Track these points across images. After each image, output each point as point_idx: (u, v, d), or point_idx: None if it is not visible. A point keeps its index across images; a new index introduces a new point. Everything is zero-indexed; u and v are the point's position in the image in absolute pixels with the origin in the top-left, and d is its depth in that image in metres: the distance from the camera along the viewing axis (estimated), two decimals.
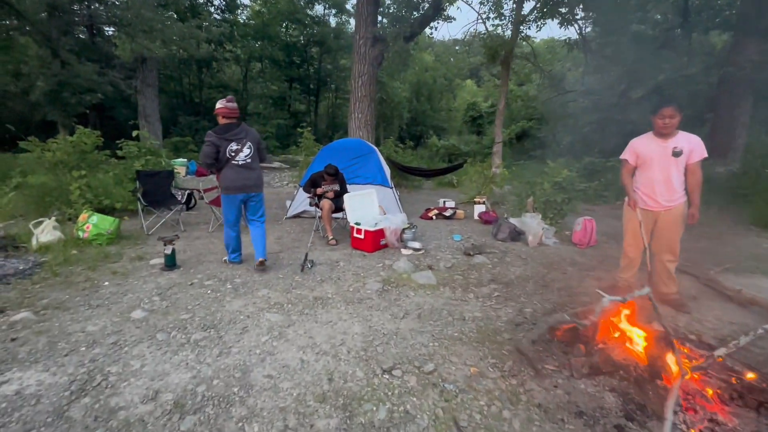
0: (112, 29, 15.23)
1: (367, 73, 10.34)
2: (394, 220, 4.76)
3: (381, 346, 2.51)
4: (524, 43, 7.91)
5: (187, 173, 12.42)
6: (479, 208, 6.67)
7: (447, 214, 6.62)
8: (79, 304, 2.95)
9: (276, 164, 15.43)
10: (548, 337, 2.65)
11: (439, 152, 17.28)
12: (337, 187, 5.35)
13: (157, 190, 5.49)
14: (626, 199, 3.34)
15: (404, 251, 4.57)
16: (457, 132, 23.06)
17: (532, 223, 5.05)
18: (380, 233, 4.58)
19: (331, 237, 4.93)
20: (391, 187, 6.57)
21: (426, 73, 23.15)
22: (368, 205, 5.04)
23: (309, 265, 3.91)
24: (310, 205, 5.39)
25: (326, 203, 4.95)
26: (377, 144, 11.67)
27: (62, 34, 10.83)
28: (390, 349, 2.47)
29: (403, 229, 4.83)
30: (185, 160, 12.74)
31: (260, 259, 3.80)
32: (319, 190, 5.19)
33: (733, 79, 9.49)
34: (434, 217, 6.62)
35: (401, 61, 11.05)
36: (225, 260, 4.05)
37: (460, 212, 6.74)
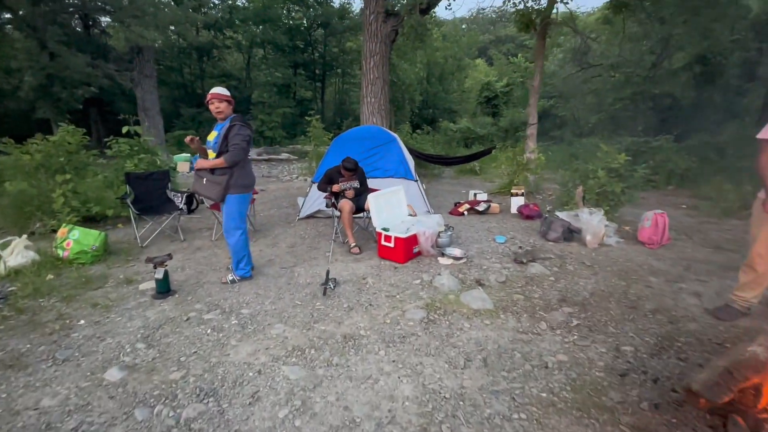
0: (107, 19, 14.45)
1: (380, 52, 9.39)
2: (427, 223, 3.98)
3: (446, 421, 1.78)
4: (561, 7, 6.91)
5: (191, 169, 11.76)
6: (517, 201, 5.84)
7: (480, 208, 5.82)
8: (42, 358, 2.27)
9: (284, 155, 14.69)
10: (678, 397, 1.89)
11: (455, 137, 16.29)
12: (357, 184, 4.58)
13: (150, 195, 4.79)
14: (761, 194, 2.50)
15: (442, 260, 3.81)
16: (471, 114, 21.91)
17: (592, 221, 4.23)
18: (413, 240, 3.82)
19: (353, 244, 4.19)
20: (416, 180, 5.78)
21: (436, 53, 21.91)
22: (396, 206, 4.27)
23: (332, 286, 3.19)
24: (327, 206, 4.64)
25: (346, 204, 4.19)
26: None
27: (49, 23, 10.08)
28: (460, 428, 1.74)
29: (439, 233, 4.07)
30: (188, 155, 12.06)
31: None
32: (335, 187, 4.43)
33: None
34: (466, 213, 5.82)
35: (417, 37, 10.03)
36: (229, 279, 3.34)
37: (494, 206, 5.93)
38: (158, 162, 5.98)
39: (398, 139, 6.14)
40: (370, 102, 9.41)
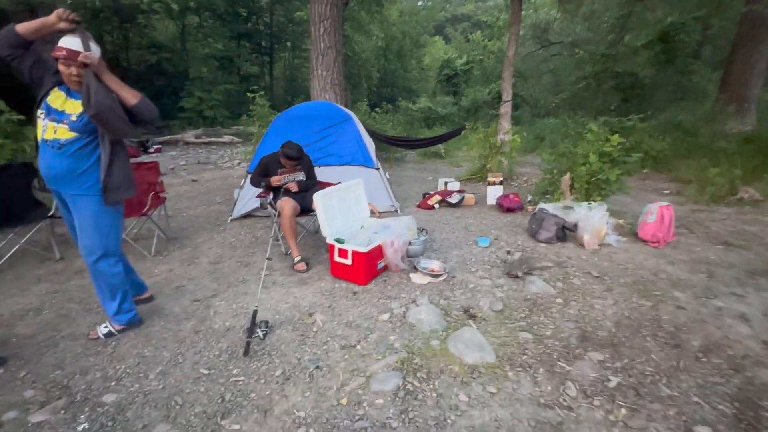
0: None
1: (331, 16, 8.10)
2: (395, 227, 3.03)
3: None
4: None
5: None
6: (495, 191, 5.04)
7: (453, 200, 4.96)
8: None
9: (226, 138, 13.00)
10: None
11: (416, 117, 15.34)
12: (302, 176, 3.52)
13: (6, 197, 3.40)
14: None
15: (416, 277, 2.89)
16: (431, 94, 21.03)
17: (593, 217, 3.50)
18: (376, 252, 2.86)
19: (298, 258, 3.16)
20: (378, 168, 4.79)
21: (393, 27, 20.60)
22: (353, 205, 3.26)
23: (260, 334, 2.16)
24: (261, 206, 3.53)
25: (287, 204, 3.13)
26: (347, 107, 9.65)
27: None
28: None
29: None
30: None
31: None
32: (273, 181, 3.34)
33: (757, 18, 8.10)
34: (437, 206, 4.95)
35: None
36: (102, 333, 2.21)
37: (469, 197, 5.10)
38: (27, 149, 4.46)
39: (355, 117, 5.07)
40: (321, 75, 8.16)
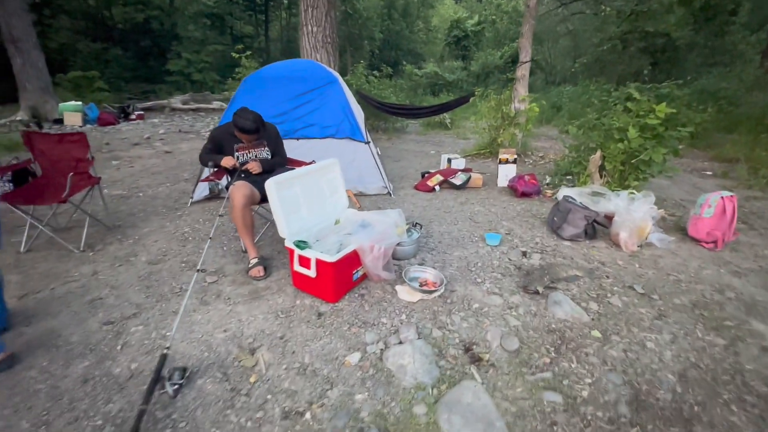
0: None
1: None
2: (379, 225, 2.30)
3: None
4: None
5: (86, 122, 9.09)
6: (508, 171, 4.25)
7: (457, 182, 4.19)
8: None
9: (215, 104, 12.07)
10: None
11: (420, 83, 14.18)
12: (266, 153, 2.78)
13: None
14: None
15: (403, 292, 2.19)
16: (438, 58, 19.57)
17: (636, 211, 2.73)
18: (351, 260, 2.14)
19: (254, 260, 2.47)
20: (368, 142, 4.00)
21: None
22: (325, 194, 2.50)
23: (170, 389, 1.49)
24: (211, 192, 2.79)
25: (238, 192, 2.40)
26: (343, 74, 8.63)
27: None
28: None
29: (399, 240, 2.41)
30: (79, 103, 9.28)
31: None
32: (225, 162, 2.60)
33: None
34: (438, 188, 4.18)
35: None
36: None
37: (476, 177, 4.31)
38: None
39: (341, 80, 4.22)
40: (311, 32, 7.16)
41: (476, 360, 1.72)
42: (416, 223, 2.77)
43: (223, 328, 1.94)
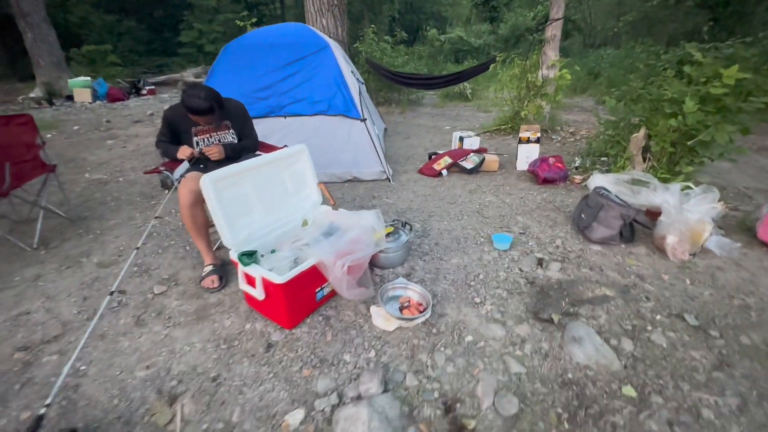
0: None
1: None
2: (352, 232, 1.83)
3: None
4: None
5: (96, 98, 8.93)
6: (529, 151, 3.62)
7: (468, 165, 3.61)
8: None
9: None
10: None
11: (442, 50, 13.11)
12: (231, 137, 2.35)
13: None
14: None
15: (379, 318, 1.74)
16: (465, 21, 18.11)
17: (694, 211, 2.12)
18: (310, 277, 1.69)
19: (208, 267, 2.08)
20: (364, 119, 3.46)
21: None
22: (289, 190, 2.04)
23: None
24: (163, 185, 2.39)
25: (184, 187, 1.98)
26: (353, 40, 7.90)
27: None
28: None
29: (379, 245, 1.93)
30: (88, 79, 9.10)
31: None
32: (182, 153, 2.18)
33: None
34: (445, 172, 3.63)
35: None
36: None
37: (491, 159, 3.71)
38: None
39: (333, 46, 3.65)
40: None
41: (458, 429, 1.27)
42: (405, 222, 2.28)
43: (148, 362, 1.57)
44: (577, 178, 3.31)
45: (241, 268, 1.64)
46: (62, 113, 7.54)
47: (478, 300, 1.88)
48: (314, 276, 1.70)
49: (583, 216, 2.46)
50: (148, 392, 1.44)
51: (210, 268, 2.08)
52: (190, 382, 1.48)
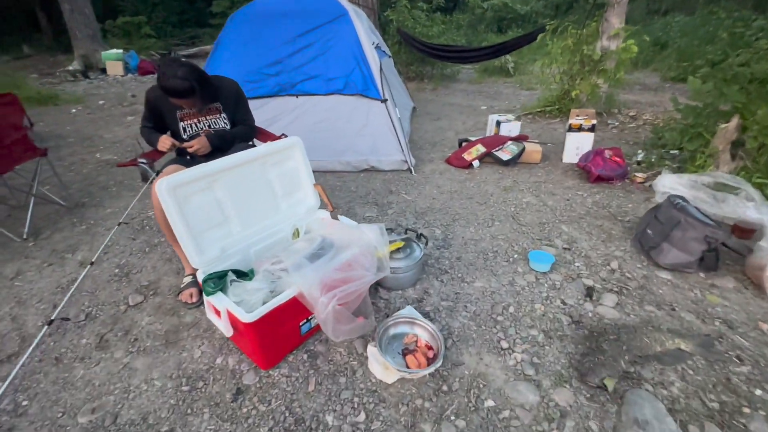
0: None
1: None
2: (347, 249, 1.45)
3: None
4: None
5: (127, 71, 8.93)
6: (579, 142, 3.04)
7: (504, 157, 3.09)
8: None
9: None
10: None
11: (484, 18, 12.01)
12: (222, 122, 2.02)
13: None
14: None
15: (374, 364, 1.37)
16: None
17: None
18: (295, 309, 1.35)
19: (187, 278, 1.81)
20: (385, 100, 3.02)
21: None
22: (276, 195, 1.67)
23: None
24: (143, 177, 2.08)
25: (157, 187, 1.66)
26: (384, 8, 7.23)
27: None
28: None
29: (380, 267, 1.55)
30: (120, 51, 9.08)
31: None
32: (163, 145, 1.86)
33: None
34: (476, 163, 3.14)
35: None
36: None
37: (533, 149, 3.16)
38: None
39: (353, 13, 3.16)
40: None
41: None
42: (420, 234, 1.87)
43: (97, 402, 1.32)
44: (639, 176, 2.72)
45: (207, 301, 1.32)
46: (94, 87, 7.57)
47: (505, 344, 1.48)
48: (297, 308, 1.36)
49: (649, 232, 1.93)
50: None
51: (189, 279, 1.80)
52: None
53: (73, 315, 1.72)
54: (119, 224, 1.89)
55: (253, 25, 3.15)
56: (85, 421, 1.26)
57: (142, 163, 1.94)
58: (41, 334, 1.31)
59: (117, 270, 2.04)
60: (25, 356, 1.32)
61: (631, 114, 4.26)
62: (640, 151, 3.06)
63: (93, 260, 1.60)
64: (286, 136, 2.01)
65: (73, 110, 5.54)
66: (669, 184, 2.14)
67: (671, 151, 2.98)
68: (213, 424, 1.23)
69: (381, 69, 3.03)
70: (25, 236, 2.36)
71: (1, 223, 2.51)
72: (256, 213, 1.57)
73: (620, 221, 2.29)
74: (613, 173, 2.70)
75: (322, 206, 1.79)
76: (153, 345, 1.55)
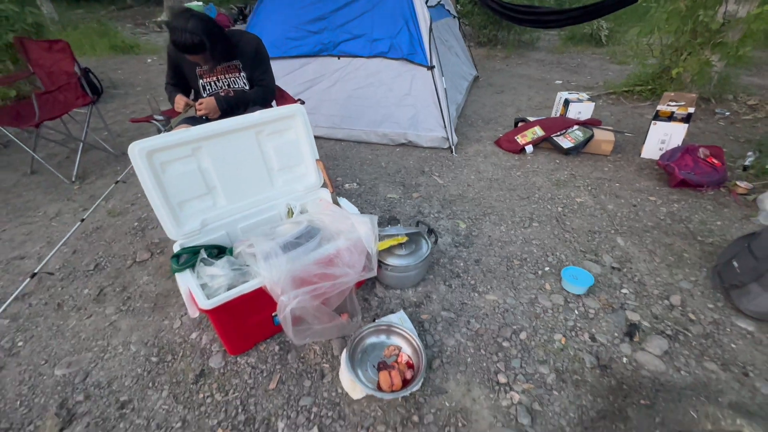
0: None
1: None
2: (340, 238, 1.28)
3: None
4: None
5: None
6: (667, 133, 2.44)
7: (565, 144, 2.61)
8: None
9: None
10: None
11: None
12: (242, 81, 1.91)
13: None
14: None
15: (345, 377, 1.22)
16: None
17: None
18: (266, 299, 1.22)
19: None
20: (432, 67, 2.68)
21: None
22: (271, 166, 1.51)
23: None
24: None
25: None
26: None
27: None
28: None
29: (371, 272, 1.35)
30: (200, 3, 9.40)
31: None
32: (179, 104, 1.80)
33: None
34: (529, 148, 2.71)
35: None
36: None
37: (604, 138, 2.63)
38: None
39: None
40: None
41: None
42: (431, 229, 1.61)
43: (76, 356, 1.35)
44: (742, 186, 2.12)
45: (183, 288, 1.24)
46: None
47: (503, 378, 1.23)
48: (267, 298, 1.23)
49: (735, 264, 1.48)
50: (51, 402, 1.20)
51: None
52: (96, 402, 1.20)
53: (85, 263, 1.80)
54: (116, 182, 1.88)
55: None
56: (59, 374, 1.29)
57: (156, 120, 1.91)
58: (21, 287, 1.35)
59: (136, 224, 2.10)
60: (6, 305, 1.37)
61: (750, 103, 3.37)
62: (750, 153, 2.38)
63: (83, 218, 1.62)
64: (303, 102, 1.84)
65: (149, 60, 5.88)
66: None
67: None
68: (168, 403, 1.19)
69: (431, 30, 2.66)
70: (73, 179, 2.54)
71: (58, 165, 2.74)
72: (247, 187, 1.44)
73: (699, 242, 1.81)
74: (705, 178, 2.14)
75: (323, 185, 1.61)
76: (142, 306, 1.55)
